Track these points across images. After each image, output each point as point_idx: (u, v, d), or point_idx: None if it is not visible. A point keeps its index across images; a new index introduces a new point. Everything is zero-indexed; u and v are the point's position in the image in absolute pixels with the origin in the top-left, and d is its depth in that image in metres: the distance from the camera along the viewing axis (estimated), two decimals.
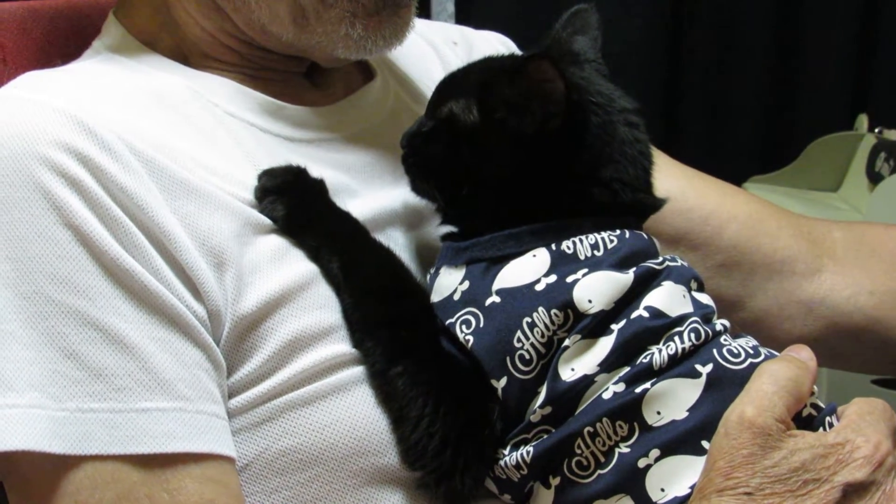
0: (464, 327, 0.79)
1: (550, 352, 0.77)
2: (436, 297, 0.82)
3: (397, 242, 0.88)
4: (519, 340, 0.77)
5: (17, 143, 0.72)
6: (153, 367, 0.71)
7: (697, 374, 0.76)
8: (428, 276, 0.85)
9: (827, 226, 1.11)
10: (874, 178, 1.88)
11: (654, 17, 2.34)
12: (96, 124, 0.75)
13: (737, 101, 2.35)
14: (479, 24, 1.20)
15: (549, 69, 0.78)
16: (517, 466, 0.77)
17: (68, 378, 0.70)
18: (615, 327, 0.77)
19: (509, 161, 0.82)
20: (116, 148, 0.75)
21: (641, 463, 0.74)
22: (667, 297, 0.78)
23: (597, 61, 0.89)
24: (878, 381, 1.59)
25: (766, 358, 0.79)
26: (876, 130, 2.00)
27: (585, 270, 0.78)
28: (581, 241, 0.80)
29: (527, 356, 0.77)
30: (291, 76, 0.93)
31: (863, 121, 2.05)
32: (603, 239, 0.80)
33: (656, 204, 0.87)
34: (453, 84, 0.87)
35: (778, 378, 0.74)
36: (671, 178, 1.05)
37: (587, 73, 0.87)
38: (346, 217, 0.84)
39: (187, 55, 0.90)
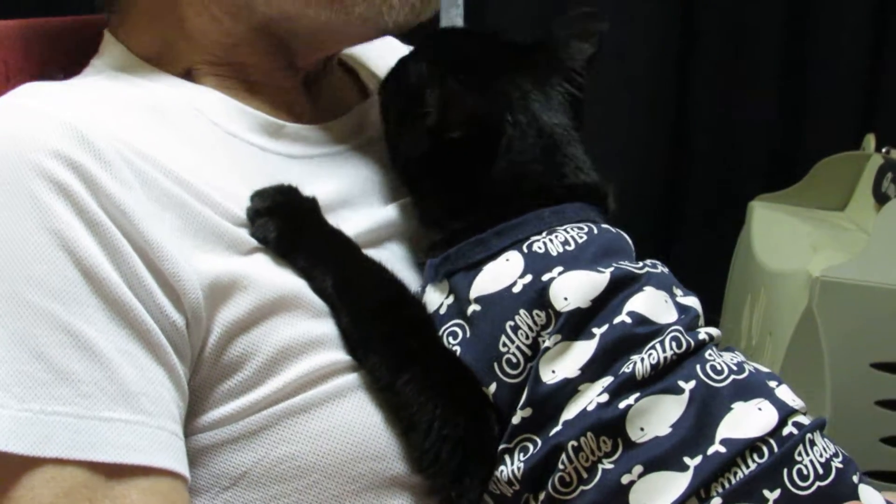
0: (450, 339, 0.80)
1: (537, 355, 0.77)
2: None
3: (397, 255, 0.89)
4: (504, 345, 0.77)
5: (12, 150, 0.73)
6: (119, 378, 0.71)
7: (680, 391, 0.76)
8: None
9: None
10: (881, 198, 1.87)
11: (661, 35, 2.35)
12: (91, 133, 0.75)
13: (744, 120, 2.35)
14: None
15: (456, 95, 0.82)
16: (509, 482, 0.77)
17: (34, 379, 0.69)
18: (597, 332, 0.77)
19: (419, 146, 0.86)
20: (109, 157, 0.75)
21: (625, 479, 0.74)
22: (649, 303, 0.78)
23: (575, 70, 0.89)
24: (882, 402, 1.59)
25: (750, 374, 0.78)
26: (883, 150, 1.99)
27: (561, 269, 0.78)
28: (551, 240, 0.80)
29: (514, 360, 0.77)
30: (291, 90, 0.94)
31: (870, 140, 2.05)
32: (572, 236, 0.81)
33: (598, 186, 0.87)
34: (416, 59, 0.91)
35: None
36: None
37: (529, 87, 0.87)
38: (336, 235, 0.84)
39: (191, 68, 0.90)
